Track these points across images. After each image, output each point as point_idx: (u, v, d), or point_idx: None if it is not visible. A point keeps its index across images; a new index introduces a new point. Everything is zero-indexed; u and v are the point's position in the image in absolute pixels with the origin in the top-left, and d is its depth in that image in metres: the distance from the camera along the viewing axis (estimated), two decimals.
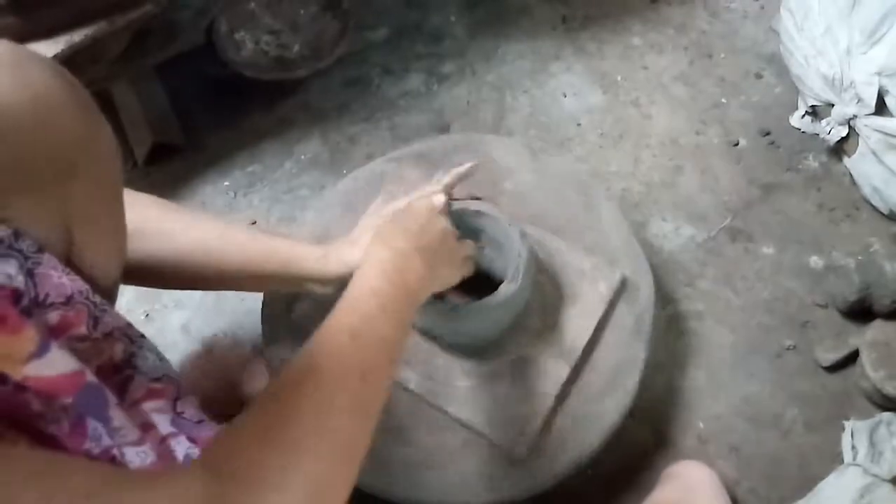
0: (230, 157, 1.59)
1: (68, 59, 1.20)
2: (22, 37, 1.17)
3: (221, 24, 1.63)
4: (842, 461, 1.15)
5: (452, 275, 0.99)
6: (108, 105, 1.43)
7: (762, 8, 1.83)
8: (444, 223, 0.96)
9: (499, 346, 1.12)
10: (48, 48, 1.18)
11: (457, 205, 1.10)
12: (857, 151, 1.45)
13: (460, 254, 1.00)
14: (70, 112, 0.63)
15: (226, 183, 1.56)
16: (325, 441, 0.65)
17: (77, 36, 1.21)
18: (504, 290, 1.04)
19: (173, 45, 1.43)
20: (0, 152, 0.59)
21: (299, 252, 1.01)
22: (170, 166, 1.57)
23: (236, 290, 1.14)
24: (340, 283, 1.01)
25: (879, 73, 1.36)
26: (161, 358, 0.84)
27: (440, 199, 1.07)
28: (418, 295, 0.85)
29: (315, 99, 1.68)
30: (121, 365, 0.78)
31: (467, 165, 1.15)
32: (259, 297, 1.21)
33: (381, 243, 0.87)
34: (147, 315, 1.38)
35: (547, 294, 1.17)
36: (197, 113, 1.63)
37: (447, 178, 1.14)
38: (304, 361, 0.70)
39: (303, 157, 1.60)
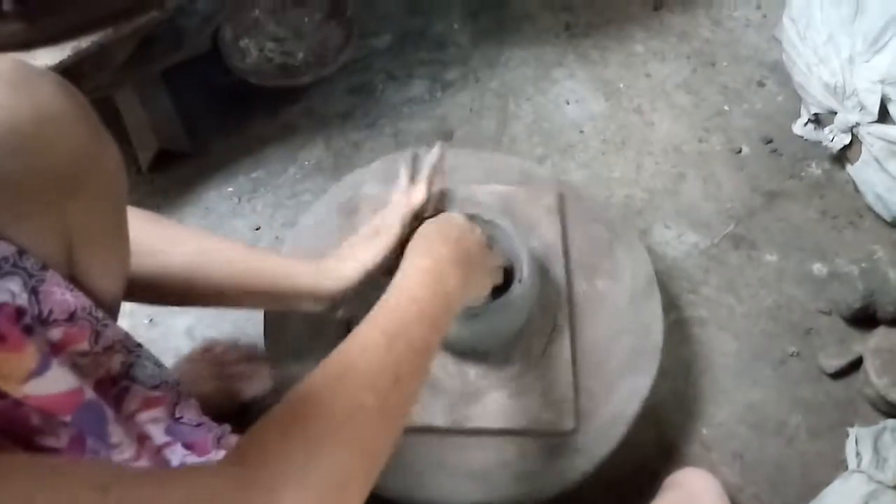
0: (234, 162, 1.59)
1: (74, 66, 1.21)
2: (28, 44, 1.18)
3: (226, 31, 1.64)
4: (846, 468, 1.15)
5: (485, 284, 0.99)
6: (112, 111, 1.43)
7: (764, 17, 1.84)
8: (479, 232, 0.96)
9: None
10: (54, 55, 1.19)
11: (472, 211, 1.09)
12: (860, 159, 1.46)
13: (493, 263, 1.00)
14: (76, 131, 0.63)
15: (230, 188, 1.56)
16: (351, 441, 0.64)
17: (83, 42, 1.21)
18: (496, 303, 1.03)
19: (178, 51, 1.43)
20: (5, 172, 0.58)
21: (290, 269, 1.00)
22: (174, 172, 1.57)
23: (229, 307, 1.13)
24: (333, 301, 1.01)
25: (882, 82, 1.36)
26: (159, 365, 0.84)
27: (419, 194, 1.07)
28: (455, 304, 0.85)
29: (319, 105, 1.68)
30: (118, 377, 0.78)
31: (436, 151, 1.14)
32: None
33: (423, 250, 0.87)
34: (151, 320, 1.38)
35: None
36: (201, 119, 1.63)
37: (424, 172, 1.13)
38: (340, 359, 0.70)
39: (306, 163, 1.60)
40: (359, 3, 1.78)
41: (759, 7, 1.86)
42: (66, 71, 1.19)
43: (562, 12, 1.86)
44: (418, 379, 0.76)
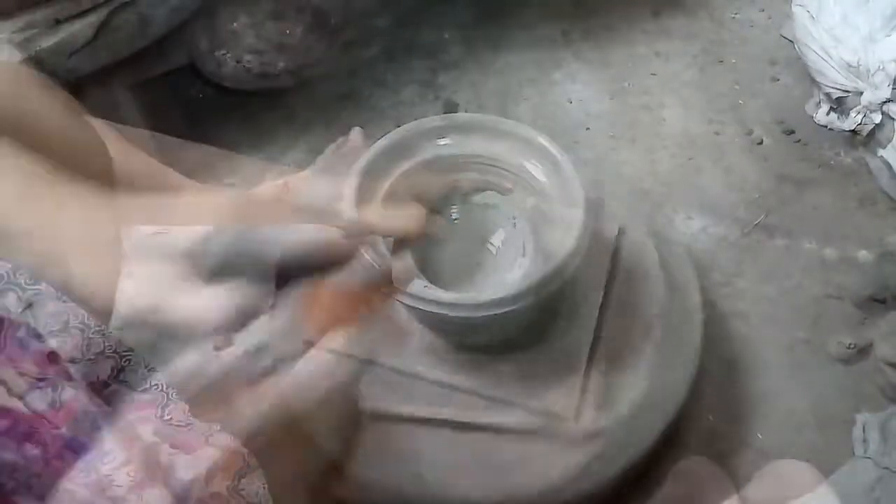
0: (208, 169, 1.55)
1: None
2: None
3: (201, 41, 1.58)
4: (853, 454, 1.10)
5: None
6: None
7: (769, 18, 1.81)
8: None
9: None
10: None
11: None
12: (874, 139, 1.42)
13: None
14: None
15: None
16: None
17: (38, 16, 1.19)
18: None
19: (144, 39, 1.39)
20: None
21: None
22: None
23: None
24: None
25: None
26: (150, 368, 0.81)
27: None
28: None
29: (302, 110, 1.66)
30: (108, 381, 0.76)
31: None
32: None
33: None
34: None
35: None
36: (173, 123, 1.59)
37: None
38: None
39: (287, 167, 1.55)
40: (345, 16, 1.74)
41: (762, 10, 1.83)
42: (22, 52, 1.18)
43: (559, 19, 1.82)
44: None
